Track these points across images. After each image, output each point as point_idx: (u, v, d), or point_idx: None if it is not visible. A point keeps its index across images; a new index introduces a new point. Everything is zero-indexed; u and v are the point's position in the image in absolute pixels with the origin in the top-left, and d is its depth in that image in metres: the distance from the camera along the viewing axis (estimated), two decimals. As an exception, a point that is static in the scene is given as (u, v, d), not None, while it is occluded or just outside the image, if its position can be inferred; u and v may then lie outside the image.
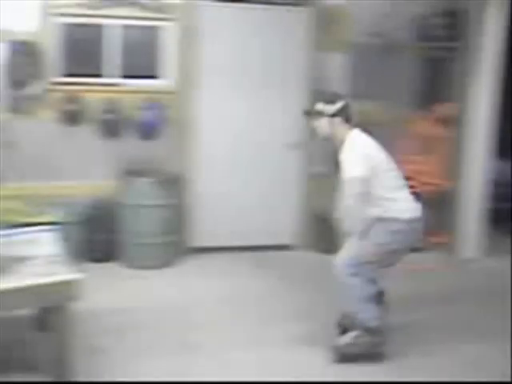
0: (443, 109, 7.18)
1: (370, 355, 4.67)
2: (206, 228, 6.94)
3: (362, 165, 4.46)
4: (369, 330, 4.64)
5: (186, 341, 4.89)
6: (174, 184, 6.59)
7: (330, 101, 4.68)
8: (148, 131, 6.65)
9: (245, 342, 4.90)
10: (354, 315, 4.67)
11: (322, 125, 4.69)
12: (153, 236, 6.46)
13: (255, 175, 7.09)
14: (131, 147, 6.65)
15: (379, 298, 4.87)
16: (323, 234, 6.72)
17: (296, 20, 6.97)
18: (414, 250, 7.05)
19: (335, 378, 4.45)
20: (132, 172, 6.53)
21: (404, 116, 7.18)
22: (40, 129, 6.41)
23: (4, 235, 4.83)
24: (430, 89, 7.36)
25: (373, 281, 4.65)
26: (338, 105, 4.65)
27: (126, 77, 6.71)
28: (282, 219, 7.18)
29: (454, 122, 7.22)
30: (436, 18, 7.23)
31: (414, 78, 7.36)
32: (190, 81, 6.79)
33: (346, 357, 4.66)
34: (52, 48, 6.43)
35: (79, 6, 6.46)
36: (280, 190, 7.17)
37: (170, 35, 6.76)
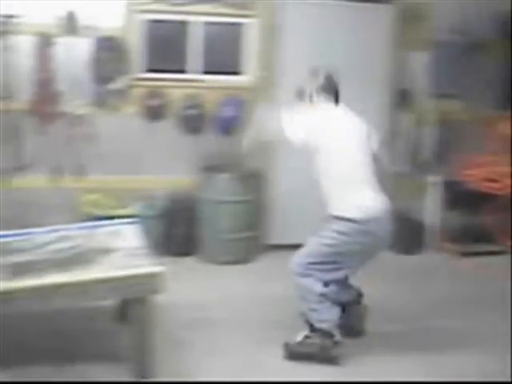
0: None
1: (323, 357, 4.47)
2: (284, 225, 6.90)
3: (302, 130, 4.40)
4: (319, 332, 4.45)
5: (260, 338, 4.88)
6: (252, 180, 6.60)
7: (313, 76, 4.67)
8: (229, 127, 6.67)
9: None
10: (305, 315, 4.51)
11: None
12: (230, 232, 6.49)
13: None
14: (212, 142, 6.70)
15: (357, 300, 4.79)
16: (404, 234, 6.58)
17: (378, 17, 6.88)
18: (491, 253, 7.04)
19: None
20: (212, 167, 6.57)
21: (487, 115, 7.04)
22: (123, 123, 6.51)
23: (87, 227, 4.94)
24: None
25: (332, 282, 4.44)
26: (320, 80, 4.63)
27: (207, 73, 6.77)
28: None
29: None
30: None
31: (499, 76, 7.20)
32: (271, 77, 6.79)
33: (295, 355, 4.51)
34: (136, 44, 6.53)
35: (163, 2, 6.55)
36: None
37: (251, 32, 6.78)
